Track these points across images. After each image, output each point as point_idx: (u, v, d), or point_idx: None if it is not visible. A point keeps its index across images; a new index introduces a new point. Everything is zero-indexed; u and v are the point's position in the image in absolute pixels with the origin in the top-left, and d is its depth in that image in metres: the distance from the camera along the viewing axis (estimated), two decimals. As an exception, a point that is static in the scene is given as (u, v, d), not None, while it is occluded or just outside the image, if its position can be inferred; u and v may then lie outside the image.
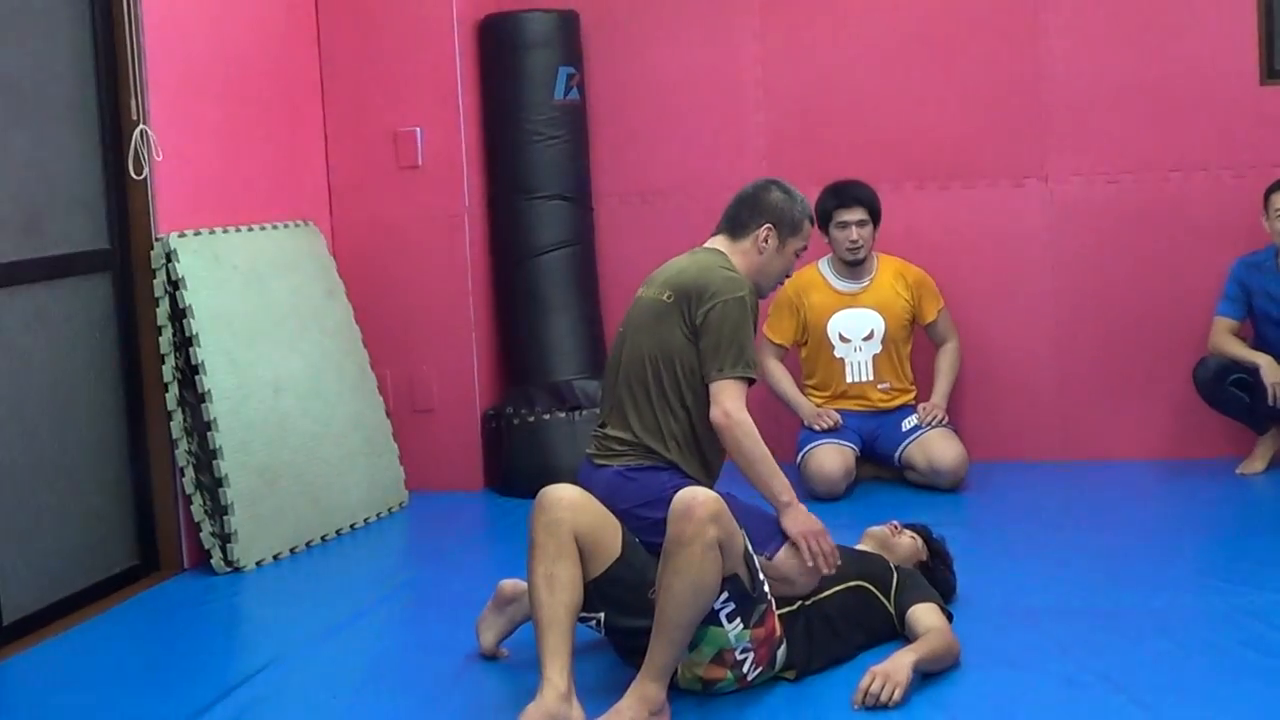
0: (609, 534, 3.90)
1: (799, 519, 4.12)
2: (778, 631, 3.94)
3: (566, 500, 3.87)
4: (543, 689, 3.67)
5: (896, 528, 4.47)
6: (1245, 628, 4.26)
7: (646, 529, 3.97)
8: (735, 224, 4.35)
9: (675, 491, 3.77)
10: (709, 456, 4.19)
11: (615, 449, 4.17)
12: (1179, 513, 5.69)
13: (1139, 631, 4.28)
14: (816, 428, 6.09)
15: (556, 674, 3.68)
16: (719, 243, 4.35)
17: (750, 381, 4.12)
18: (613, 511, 3.99)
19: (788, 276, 4.51)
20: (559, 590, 3.77)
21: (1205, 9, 6.23)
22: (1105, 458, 6.39)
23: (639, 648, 3.78)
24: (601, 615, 3.90)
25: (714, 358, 4.08)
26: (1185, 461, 6.28)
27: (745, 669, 3.88)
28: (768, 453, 4.13)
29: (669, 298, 4.17)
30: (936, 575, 4.45)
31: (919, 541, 4.49)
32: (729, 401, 4.06)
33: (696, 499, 3.69)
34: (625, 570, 3.89)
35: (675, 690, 3.85)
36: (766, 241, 4.30)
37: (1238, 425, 6.09)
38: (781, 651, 3.97)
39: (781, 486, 4.13)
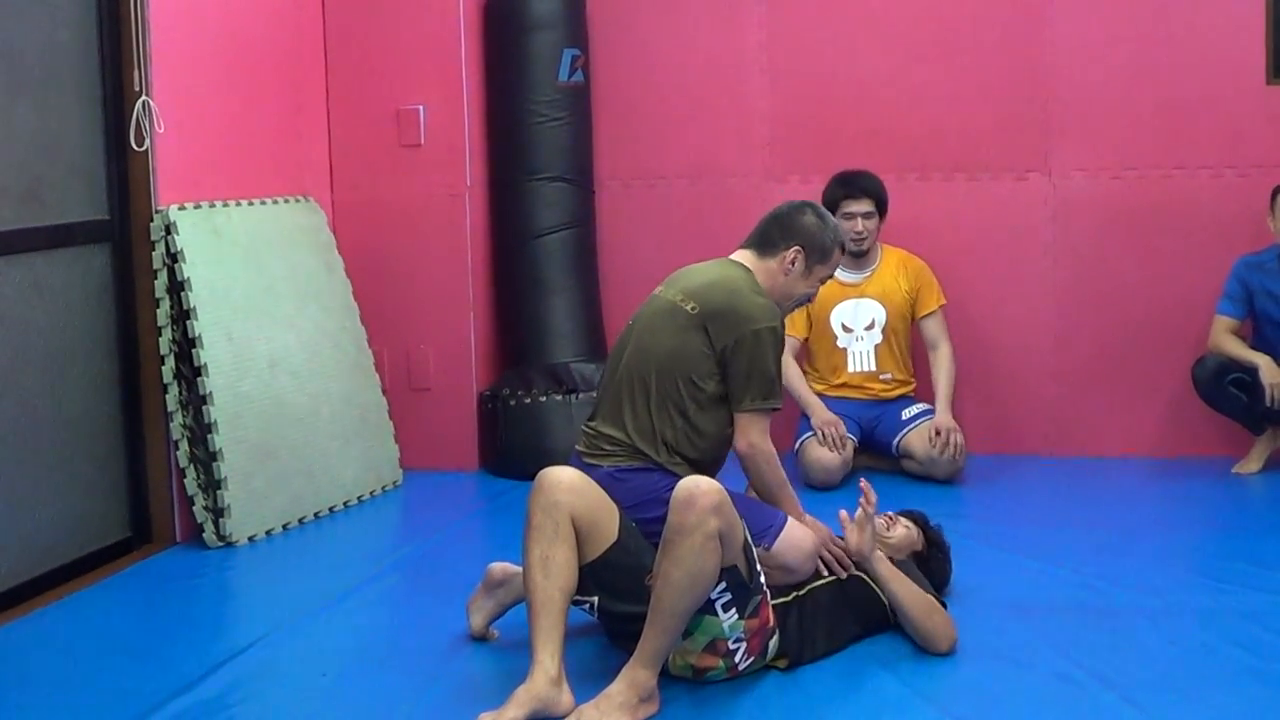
0: (606, 518, 3.89)
1: (826, 539, 4.19)
2: (771, 622, 3.93)
3: (566, 483, 3.86)
4: (533, 672, 3.66)
5: (891, 518, 4.45)
6: (1238, 628, 4.26)
7: (647, 523, 3.96)
8: (764, 241, 4.30)
9: (669, 490, 3.76)
10: (704, 468, 4.13)
11: (605, 448, 4.14)
12: (1175, 511, 5.69)
13: (1132, 629, 4.28)
14: (822, 434, 6.01)
15: (548, 657, 3.67)
16: (745, 258, 4.30)
17: (775, 410, 4.17)
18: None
19: (809, 301, 4.45)
20: (554, 573, 3.76)
21: (1214, 7, 6.21)
22: (1102, 454, 6.39)
23: (633, 633, 3.78)
24: (596, 599, 3.89)
25: (744, 389, 4.09)
26: (1182, 460, 6.27)
27: (737, 659, 3.88)
28: (785, 478, 4.23)
29: (693, 309, 4.13)
30: (932, 564, 4.44)
31: (915, 530, 4.47)
32: (755, 434, 4.12)
33: (700, 488, 3.67)
34: (622, 555, 3.88)
35: (666, 677, 3.85)
36: (794, 264, 4.26)
37: (1235, 425, 6.09)
38: (774, 642, 3.96)
39: (794, 509, 4.20)
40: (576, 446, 4.25)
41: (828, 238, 4.31)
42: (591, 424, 4.23)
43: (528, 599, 3.78)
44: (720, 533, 3.67)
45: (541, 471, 3.91)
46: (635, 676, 3.68)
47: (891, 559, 4.27)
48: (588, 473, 4.08)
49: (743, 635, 3.85)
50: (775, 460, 4.19)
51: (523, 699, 3.61)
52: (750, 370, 4.08)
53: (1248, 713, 3.69)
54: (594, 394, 6.12)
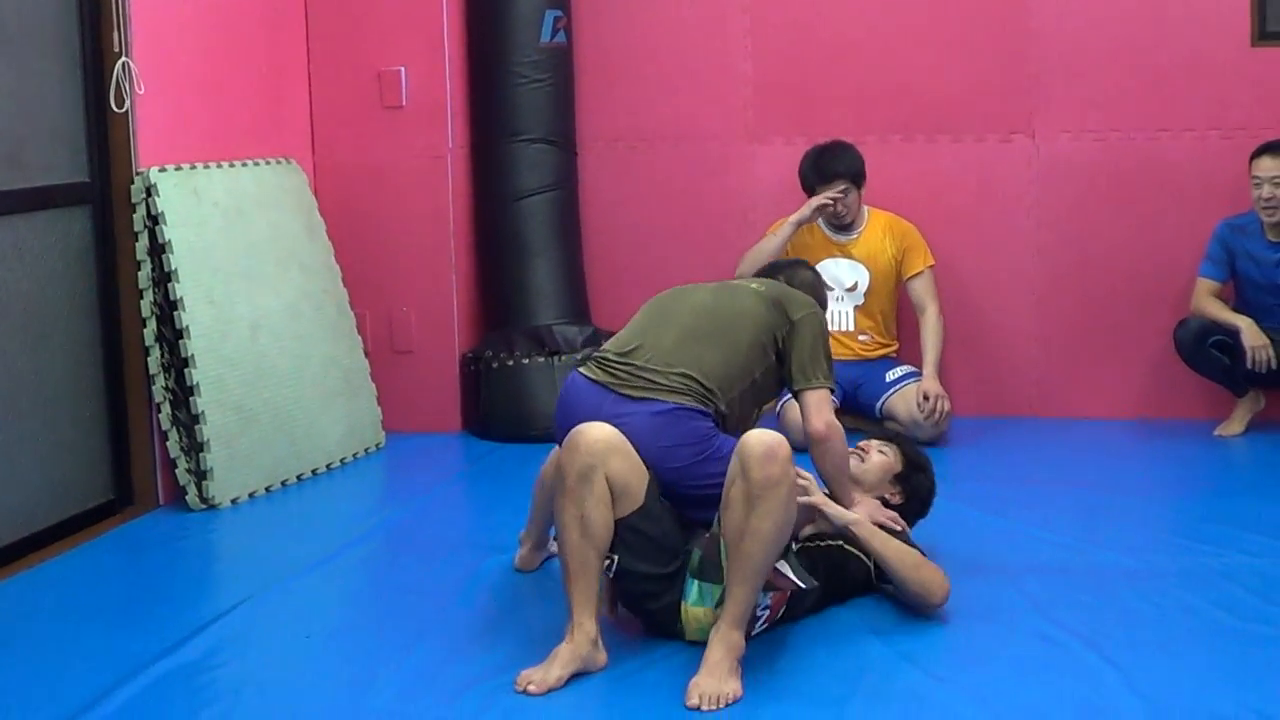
0: (636, 481, 3.84)
1: (871, 513, 4.24)
2: (789, 590, 3.91)
3: (602, 443, 3.80)
4: (573, 632, 3.70)
5: (863, 448, 4.42)
6: (1219, 589, 4.27)
7: (690, 468, 3.93)
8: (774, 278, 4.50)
9: (718, 448, 3.87)
10: (743, 426, 4.11)
11: (660, 383, 3.99)
12: (1156, 473, 5.71)
13: (1114, 590, 4.29)
14: None
15: (587, 619, 3.71)
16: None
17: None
18: (653, 445, 3.91)
19: None
20: (591, 534, 3.75)
21: (1198, -32, 6.21)
22: (1084, 415, 6.40)
23: (647, 593, 3.85)
24: (615, 558, 3.84)
25: (811, 366, 4.14)
26: (1164, 421, 6.29)
27: (755, 627, 3.85)
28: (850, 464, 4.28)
29: (759, 287, 4.27)
30: (914, 485, 4.40)
31: (891, 452, 4.42)
32: (829, 412, 4.15)
33: (775, 439, 3.69)
34: (644, 521, 3.83)
35: (677, 643, 3.89)
36: None
37: (1217, 387, 6.10)
38: (783, 610, 3.95)
39: (851, 493, 4.26)
40: (587, 375, 4.06)
41: (821, 295, 4.57)
42: (629, 361, 4.06)
43: (563, 558, 3.78)
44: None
45: (575, 429, 3.84)
46: (730, 639, 3.66)
47: (884, 527, 4.24)
48: (633, 405, 3.96)
49: (769, 604, 3.84)
50: (846, 444, 4.22)
51: (566, 658, 3.66)
52: (815, 348, 4.16)
53: (1227, 672, 3.71)
54: (577, 355, 6.13)
